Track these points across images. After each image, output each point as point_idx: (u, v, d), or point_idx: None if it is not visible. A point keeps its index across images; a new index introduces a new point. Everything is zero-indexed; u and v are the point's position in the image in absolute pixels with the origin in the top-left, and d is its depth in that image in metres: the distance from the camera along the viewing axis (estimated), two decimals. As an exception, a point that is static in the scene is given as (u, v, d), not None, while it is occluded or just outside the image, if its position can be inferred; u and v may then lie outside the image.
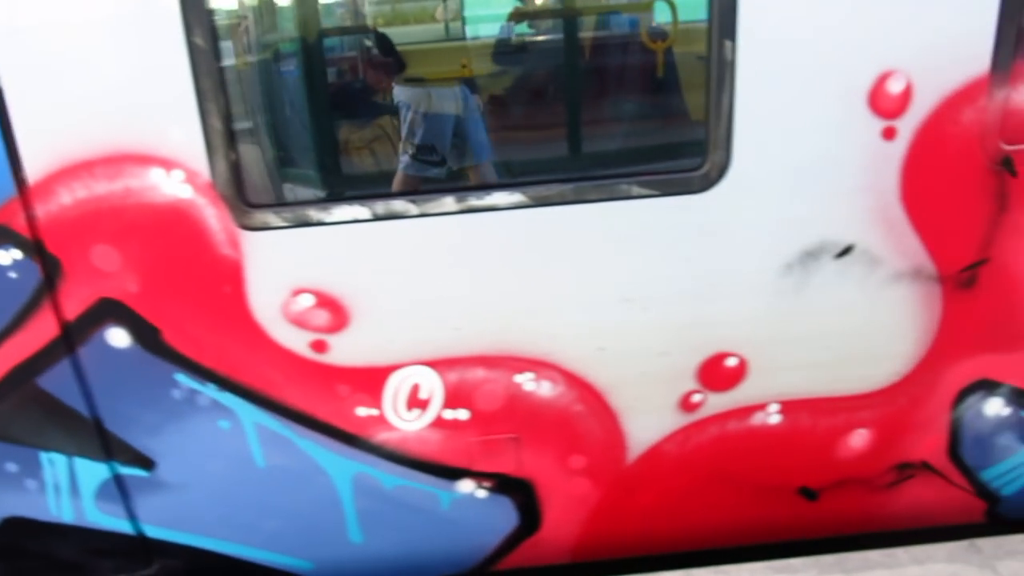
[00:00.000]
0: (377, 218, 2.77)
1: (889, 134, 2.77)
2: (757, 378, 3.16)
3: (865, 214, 2.88)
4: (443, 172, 5.46)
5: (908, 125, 2.77)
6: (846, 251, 2.92)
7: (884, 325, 3.07)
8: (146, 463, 3.16)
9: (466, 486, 3.34)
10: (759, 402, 3.23)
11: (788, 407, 3.24)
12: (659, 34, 6.20)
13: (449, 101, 5.60)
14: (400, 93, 5.94)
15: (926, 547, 3.17)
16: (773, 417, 3.26)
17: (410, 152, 5.45)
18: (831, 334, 3.09)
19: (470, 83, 6.02)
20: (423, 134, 5.48)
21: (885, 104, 2.74)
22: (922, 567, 3.01)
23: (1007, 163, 2.85)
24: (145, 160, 2.68)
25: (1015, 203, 2.91)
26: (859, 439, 3.35)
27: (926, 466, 3.47)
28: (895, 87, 2.72)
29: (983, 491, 3.58)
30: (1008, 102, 2.78)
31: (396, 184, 5.48)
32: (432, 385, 3.07)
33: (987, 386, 3.27)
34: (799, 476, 3.44)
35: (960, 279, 3.03)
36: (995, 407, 3.32)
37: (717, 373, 3.14)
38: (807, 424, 3.30)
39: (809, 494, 3.51)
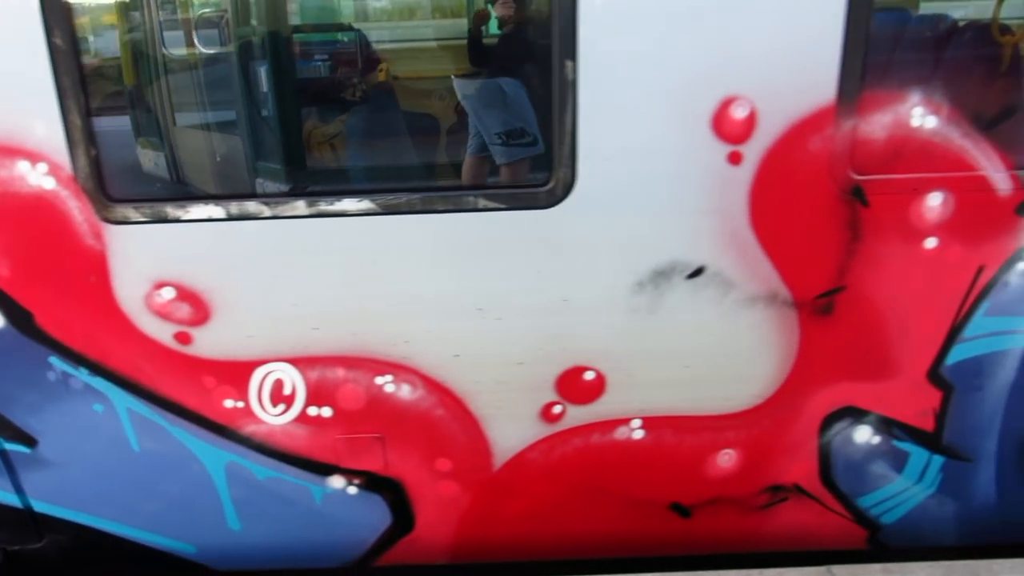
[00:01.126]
0: (232, 218, 2.93)
1: (735, 159, 2.85)
2: (617, 393, 3.26)
3: (715, 237, 2.97)
4: (541, 148, 5.24)
5: (754, 151, 2.84)
6: (697, 272, 3.01)
7: (742, 347, 3.16)
8: (28, 440, 3.37)
9: (337, 482, 3.50)
10: (621, 416, 3.33)
11: (651, 423, 3.34)
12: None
13: (518, 86, 5.53)
14: (464, 87, 5.90)
15: (781, 570, 3.25)
16: (637, 432, 3.36)
17: (501, 141, 5.32)
18: (688, 353, 3.18)
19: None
20: (508, 120, 5.38)
21: (729, 129, 2.82)
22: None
23: (858, 192, 2.91)
24: (13, 152, 2.87)
25: (868, 232, 2.97)
26: (727, 459, 3.43)
27: (799, 490, 3.53)
28: (739, 113, 2.80)
29: (862, 518, 3.63)
30: (856, 132, 2.85)
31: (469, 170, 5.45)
32: (295, 382, 3.24)
33: (853, 413, 3.33)
34: (669, 492, 3.53)
35: (817, 306, 3.09)
36: (864, 435, 3.38)
37: (576, 386, 3.25)
38: (672, 441, 3.39)
39: (682, 511, 3.60)
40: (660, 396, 3.28)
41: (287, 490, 3.50)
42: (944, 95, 2.82)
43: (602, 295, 3.04)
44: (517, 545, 3.72)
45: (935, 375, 3.23)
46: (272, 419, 3.31)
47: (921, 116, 2.85)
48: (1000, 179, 2.91)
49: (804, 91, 2.77)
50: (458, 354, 3.16)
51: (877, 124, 2.85)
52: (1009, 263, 3.04)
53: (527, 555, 3.74)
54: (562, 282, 3.03)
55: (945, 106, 2.85)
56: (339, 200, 2.91)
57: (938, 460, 3.46)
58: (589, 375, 3.21)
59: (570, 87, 2.75)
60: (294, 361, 3.19)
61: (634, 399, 3.28)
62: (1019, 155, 2.91)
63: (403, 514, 3.58)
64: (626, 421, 3.33)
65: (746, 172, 2.86)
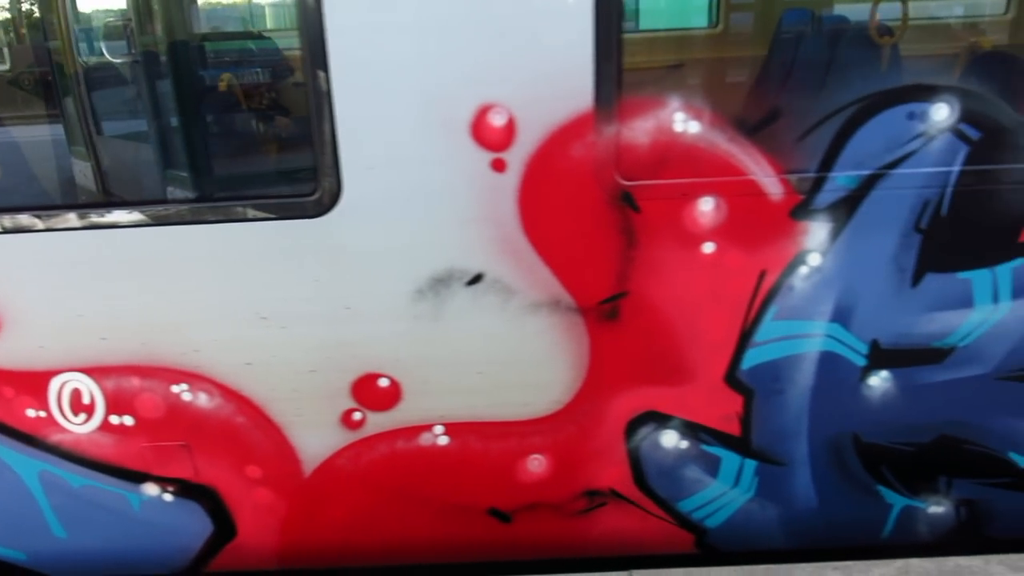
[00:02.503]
0: (5, 231, 3.01)
1: (499, 166, 2.91)
2: (414, 400, 3.33)
3: (489, 244, 3.03)
4: None
5: (517, 158, 2.90)
6: (476, 279, 3.07)
7: (533, 354, 3.22)
8: None
9: (152, 489, 3.59)
10: (422, 423, 3.40)
11: (454, 429, 3.41)
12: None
13: None
14: None
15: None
16: (441, 439, 3.43)
17: None
18: (479, 360, 3.24)
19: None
20: None
21: (489, 136, 2.88)
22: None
23: (627, 198, 2.96)
24: None
25: (644, 238, 3.02)
26: (537, 464, 3.50)
27: (616, 495, 3.59)
28: (497, 120, 2.85)
29: (686, 522, 3.69)
30: (619, 138, 2.89)
31: None
32: (92, 391, 3.32)
33: (656, 418, 3.38)
34: (484, 498, 3.60)
35: (602, 312, 3.15)
36: (671, 439, 3.43)
37: (372, 393, 3.32)
38: (478, 447, 3.46)
39: (501, 516, 3.66)
40: (458, 403, 3.34)
41: (104, 498, 3.59)
42: (705, 101, 2.86)
43: (383, 303, 3.11)
44: (343, 552, 3.80)
45: (732, 379, 3.28)
46: (76, 428, 3.39)
47: (683, 121, 2.89)
48: (770, 183, 2.94)
49: (561, 98, 2.82)
50: (250, 362, 3.24)
51: (639, 130, 2.89)
52: (791, 267, 3.08)
53: (354, 561, 3.82)
54: (341, 290, 3.09)
55: (707, 111, 2.89)
56: (110, 212, 2.98)
57: (751, 464, 3.50)
58: (383, 382, 3.28)
59: (325, 98, 2.80)
60: (88, 371, 3.27)
61: (433, 406, 3.34)
62: (787, 160, 2.94)
63: (223, 521, 3.66)
64: (428, 427, 3.40)
65: (512, 179, 2.91)
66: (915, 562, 3.28)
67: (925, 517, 3.70)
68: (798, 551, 3.84)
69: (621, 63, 2.80)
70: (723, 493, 3.60)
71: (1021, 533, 3.77)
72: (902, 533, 3.77)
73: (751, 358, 3.25)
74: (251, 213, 2.97)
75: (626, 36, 2.84)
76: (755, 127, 2.93)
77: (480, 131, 2.86)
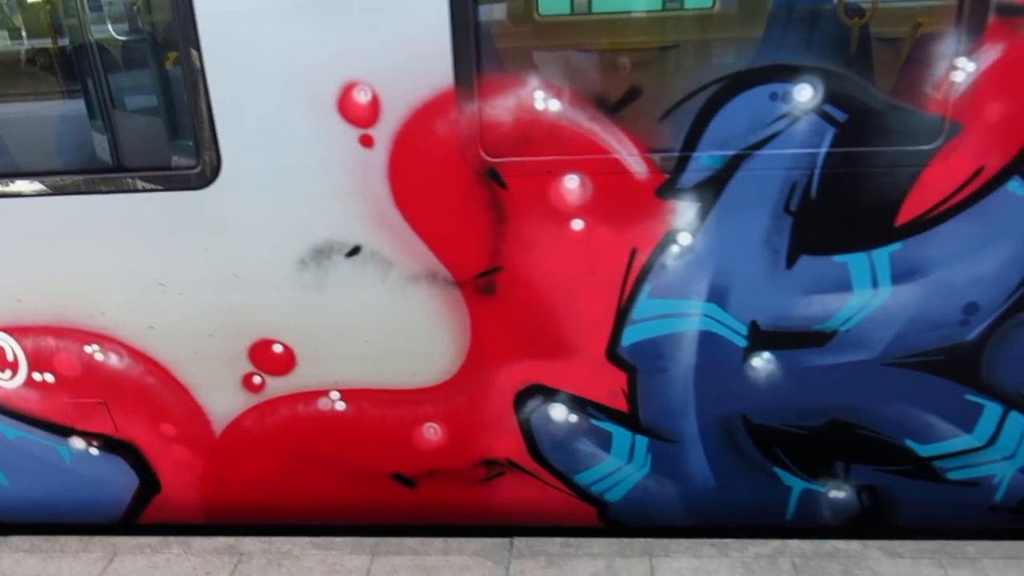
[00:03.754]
0: (-76, 198, 3.31)
1: (367, 142, 3.06)
2: (308, 366, 3.54)
3: (364, 217, 3.19)
4: None
5: (384, 134, 3.05)
6: (355, 251, 3.24)
7: (416, 324, 3.38)
8: None
9: (78, 443, 3.89)
10: (319, 388, 3.61)
11: (349, 396, 3.61)
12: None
13: None
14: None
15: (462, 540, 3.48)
16: (338, 404, 3.64)
17: None
18: (365, 329, 3.42)
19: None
20: None
21: (356, 113, 3.03)
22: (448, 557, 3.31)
23: (493, 174, 3.08)
24: None
25: (513, 214, 3.14)
26: (433, 432, 3.68)
27: (514, 465, 3.74)
28: (362, 97, 3.01)
29: (586, 495, 3.83)
30: (482, 116, 3.01)
31: None
32: (14, 349, 3.62)
33: (543, 391, 3.51)
34: (386, 463, 3.80)
35: (478, 285, 3.29)
36: (561, 413, 3.56)
37: (268, 358, 3.54)
38: (374, 413, 3.65)
39: (406, 481, 3.86)
40: (351, 370, 3.52)
41: (38, 449, 3.90)
42: (565, 79, 2.95)
43: (269, 272, 3.30)
44: (261, 510, 4.04)
45: (614, 356, 3.38)
46: (4, 384, 3.69)
47: (544, 99, 2.98)
48: (634, 162, 3.02)
49: (422, 76, 2.94)
50: (152, 326, 3.48)
51: (501, 108, 3.00)
52: (662, 246, 3.15)
53: (273, 519, 4.06)
54: (229, 259, 3.30)
55: (567, 90, 2.98)
56: (13, 182, 3.24)
57: (643, 441, 3.61)
58: (277, 348, 3.48)
59: (199, 75, 2.99)
60: (8, 330, 3.56)
61: (327, 372, 3.53)
62: (650, 139, 3.01)
63: (147, 475, 3.94)
64: (325, 393, 3.60)
65: (380, 155, 3.06)
66: (793, 543, 3.34)
67: (827, 502, 3.73)
68: (703, 529, 3.92)
69: (479, 42, 2.89)
70: (619, 468, 3.70)
71: (927, 522, 3.77)
72: (806, 517, 3.81)
73: (630, 335, 3.33)
74: (140, 184, 3.18)
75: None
76: (615, 106, 2.99)
77: (347, 108, 3.00)
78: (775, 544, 3.33)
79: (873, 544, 3.31)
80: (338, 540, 3.48)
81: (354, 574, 3.29)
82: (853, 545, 3.31)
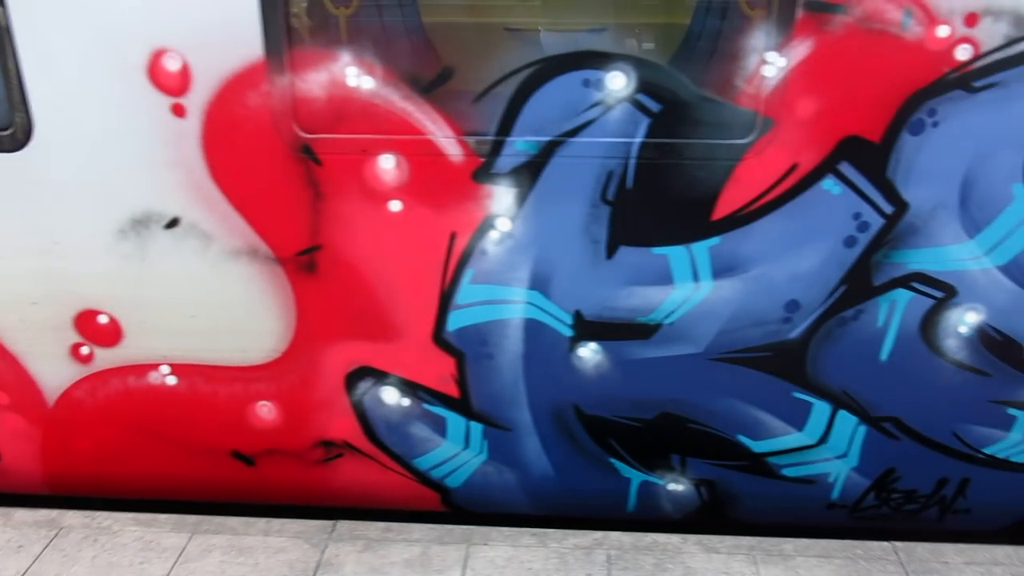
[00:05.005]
0: None
1: (179, 111, 3.04)
2: (135, 338, 3.53)
3: (181, 189, 3.18)
4: None
5: (196, 104, 3.03)
6: (173, 223, 3.22)
7: (239, 300, 3.37)
8: None
9: (-86, 408, 3.87)
10: (149, 361, 3.60)
11: (180, 370, 3.60)
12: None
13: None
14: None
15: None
16: (169, 378, 3.63)
17: None
18: (189, 303, 3.42)
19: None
20: None
21: (166, 81, 3.01)
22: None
23: (307, 150, 3.07)
24: None
25: (329, 191, 3.13)
26: (267, 411, 3.68)
27: (351, 447, 3.75)
28: (172, 65, 2.98)
29: (427, 480, 3.84)
30: (295, 89, 2.99)
31: None
32: None
33: (373, 374, 3.52)
34: (223, 440, 3.80)
35: (300, 263, 3.28)
36: (393, 396, 3.57)
37: (94, 328, 3.52)
38: (207, 389, 3.65)
39: (245, 459, 3.86)
40: (179, 344, 3.52)
41: None
42: (377, 56, 2.93)
43: (88, 240, 3.28)
44: (101, 483, 4.04)
45: (441, 340, 3.39)
46: None
47: (356, 76, 2.97)
48: (450, 144, 3.01)
49: (231, 46, 2.93)
50: (-23, 291, 3.45)
51: (314, 82, 2.98)
52: (481, 231, 3.16)
53: (113, 493, 4.06)
54: (47, 225, 3.28)
55: (379, 68, 2.96)
56: None
57: (477, 427, 3.62)
58: (103, 318, 3.47)
59: (5, 32, 2.95)
60: None
61: (155, 345, 3.53)
62: (466, 121, 3.00)
63: (-15, 443, 3.92)
64: (155, 367, 3.59)
65: (193, 125, 3.04)
66: (614, 535, 3.38)
67: (667, 494, 3.77)
68: (548, 518, 3.95)
69: (288, 13, 2.87)
70: (456, 454, 3.72)
71: (767, 517, 3.81)
72: (648, 508, 3.85)
73: (455, 320, 3.34)
74: (-45, 145, 3.14)
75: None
76: (429, 86, 2.98)
77: (157, 75, 2.98)
78: (595, 536, 3.37)
79: (692, 539, 3.36)
80: (162, 517, 3.49)
81: (169, 552, 3.31)
82: (673, 539, 3.35)
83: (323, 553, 3.30)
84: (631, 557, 3.27)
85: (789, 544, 3.32)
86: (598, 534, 3.38)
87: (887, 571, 3.21)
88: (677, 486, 3.74)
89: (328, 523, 3.48)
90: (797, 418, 3.47)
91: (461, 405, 3.56)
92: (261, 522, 3.48)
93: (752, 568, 3.21)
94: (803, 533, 3.70)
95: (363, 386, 3.54)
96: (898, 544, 3.34)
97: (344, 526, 3.46)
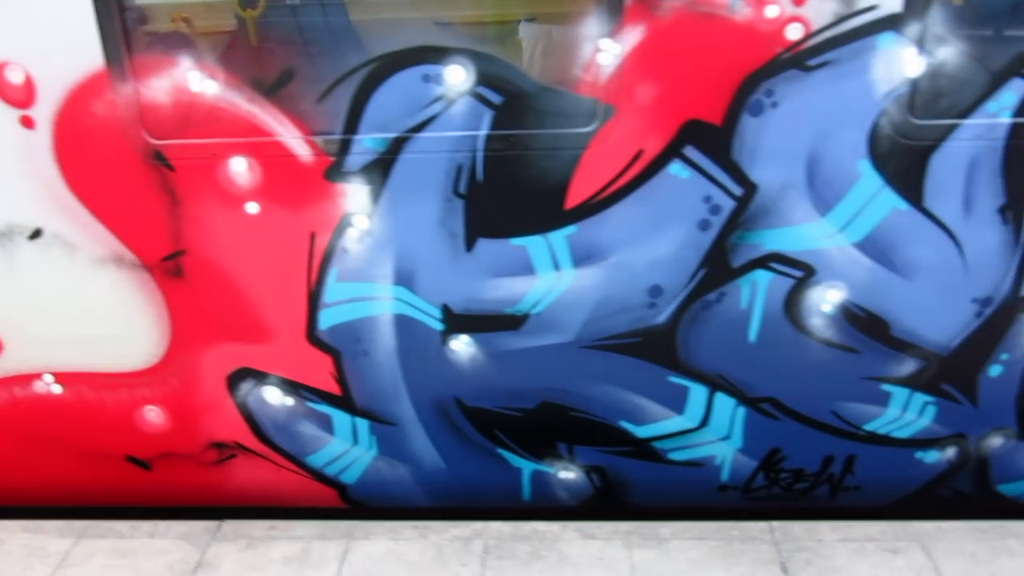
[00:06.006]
0: None
1: (28, 123, 3.09)
2: (17, 348, 3.58)
3: (39, 201, 3.23)
4: None
5: (44, 115, 3.07)
6: (36, 234, 3.27)
7: (111, 307, 3.43)
8: None
9: None
10: (32, 371, 3.65)
11: (64, 379, 3.66)
12: None
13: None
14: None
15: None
16: (55, 387, 3.69)
17: None
18: (64, 312, 3.47)
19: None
20: None
21: (12, 94, 3.05)
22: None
23: (159, 157, 3.11)
24: None
25: (185, 196, 3.18)
26: (155, 415, 3.74)
27: (243, 447, 3.81)
28: (15, 78, 3.03)
29: (322, 477, 3.90)
30: (140, 97, 3.03)
31: None
32: None
33: (254, 375, 3.57)
34: (117, 445, 3.86)
35: (166, 269, 3.33)
36: (276, 396, 3.62)
37: (-26, 339, 3.57)
38: (93, 397, 3.71)
39: (141, 464, 3.93)
40: (60, 353, 3.58)
41: None
42: (218, 61, 2.97)
43: (-45, 253, 3.32)
44: (9, 492, 4.10)
45: (315, 339, 3.44)
46: None
47: (199, 81, 3.01)
48: (298, 145, 3.06)
49: (71, 56, 2.97)
50: None
51: (158, 89, 3.02)
52: (340, 229, 3.21)
53: (10, 501, 4.12)
54: (-86, 238, 3.32)
55: (221, 72, 3.00)
56: None
57: (363, 423, 3.69)
58: (-18, 329, 3.52)
59: None
60: None
61: (36, 355, 3.59)
62: (312, 121, 3.05)
63: None
64: (39, 376, 3.64)
65: (44, 136, 3.09)
66: (495, 525, 3.44)
67: (560, 483, 3.83)
68: (448, 510, 4.02)
69: (125, 22, 2.91)
70: (347, 450, 3.78)
71: (662, 502, 3.87)
72: (543, 497, 3.91)
73: (326, 319, 3.40)
74: None
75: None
76: (272, 87, 3.02)
77: (2, 88, 3.01)
78: (476, 526, 3.43)
79: (572, 526, 3.42)
80: (48, 524, 3.55)
81: (53, 557, 3.37)
82: (553, 527, 3.41)
83: (204, 553, 3.37)
84: (508, 546, 3.33)
85: (667, 527, 3.38)
86: (479, 524, 3.44)
87: (759, 551, 3.26)
88: (568, 474, 3.80)
89: (213, 523, 3.54)
90: (676, 402, 3.53)
91: (344, 402, 3.62)
92: (148, 525, 3.54)
93: (626, 552, 3.27)
94: (715, 516, 3.75)
95: (245, 387, 3.60)
96: (775, 523, 3.39)
97: (229, 526, 3.52)
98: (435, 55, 2.95)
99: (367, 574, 3.24)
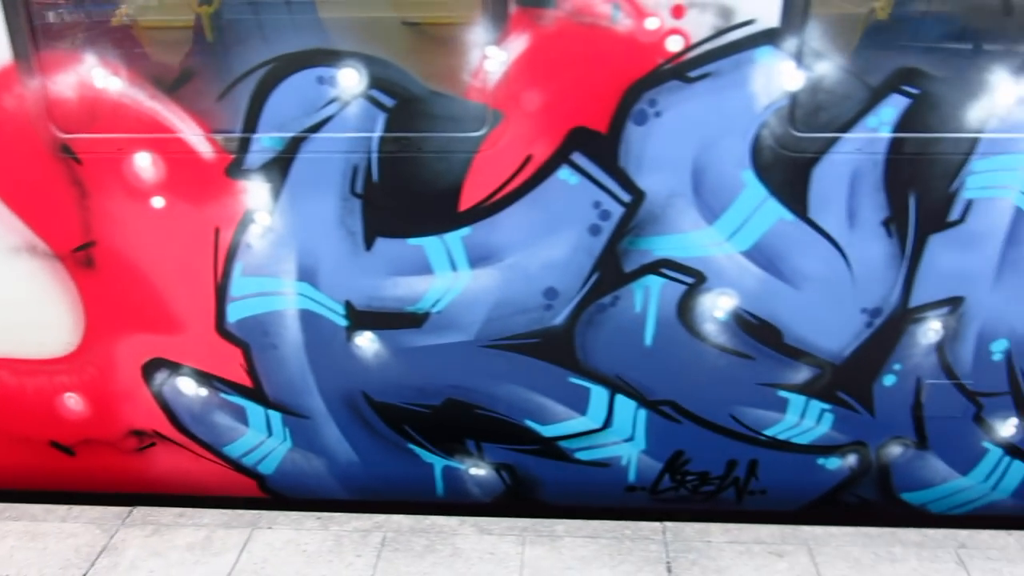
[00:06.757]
0: None
1: (-65, 113, 3.22)
2: (-62, 335, 3.72)
3: (-47, 187, 3.35)
4: None
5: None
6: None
7: (28, 295, 3.57)
8: None
9: None
10: (-46, 357, 3.79)
11: (-16, 364, 3.80)
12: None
13: None
14: None
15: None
16: (-22, 371, 3.82)
17: None
18: (-16, 299, 3.61)
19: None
20: None
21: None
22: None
23: (67, 150, 3.25)
24: None
25: (93, 189, 3.32)
26: (74, 402, 3.87)
27: (161, 436, 3.95)
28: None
29: (240, 467, 4.04)
30: (47, 91, 3.17)
31: None
32: None
33: (168, 365, 3.71)
34: (39, 431, 4.00)
35: (78, 259, 3.47)
36: (190, 386, 3.76)
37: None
38: (13, 382, 3.85)
39: (64, 449, 4.07)
40: (-20, 338, 3.71)
41: None
42: (121, 58, 3.10)
43: None
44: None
45: (225, 332, 3.57)
46: None
47: (104, 77, 3.14)
48: (199, 142, 3.19)
49: (-17, 49, 3.09)
50: None
51: (65, 84, 3.16)
52: (243, 225, 3.33)
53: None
54: None
55: (124, 68, 3.13)
56: None
57: (276, 415, 3.82)
58: (-96, 314, 3.67)
59: None
60: None
61: (-44, 341, 3.72)
62: (213, 119, 3.17)
63: None
64: (-40, 362, 3.78)
65: (-49, 127, 3.22)
66: (396, 518, 3.57)
67: (471, 479, 3.95)
68: (363, 503, 4.14)
69: (32, 17, 3.04)
70: (262, 441, 3.91)
71: (572, 500, 3.98)
72: (457, 493, 4.03)
73: (234, 312, 3.53)
74: None
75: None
76: (173, 85, 3.15)
77: (-85, 81, 3.15)
78: (378, 518, 3.55)
79: (470, 520, 3.53)
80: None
81: (-36, 539, 3.51)
82: (451, 521, 3.53)
83: (111, 538, 3.50)
84: (405, 539, 3.45)
85: (561, 525, 3.49)
86: (380, 517, 3.56)
87: (648, 550, 3.37)
88: (479, 471, 3.91)
89: (125, 509, 3.67)
90: (578, 403, 3.64)
91: (256, 394, 3.74)
92: (62, 509, 3.68)
93: (519, 548, 3.38)
94: (625, 517, 3.84)
95: (160, 376, 3.73)
96: (668, 524, 3.50)
97: (140, 512, 3.65)
98: (329, 58, 3.06)
99: (264, 563, 3.36)
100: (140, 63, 3.12)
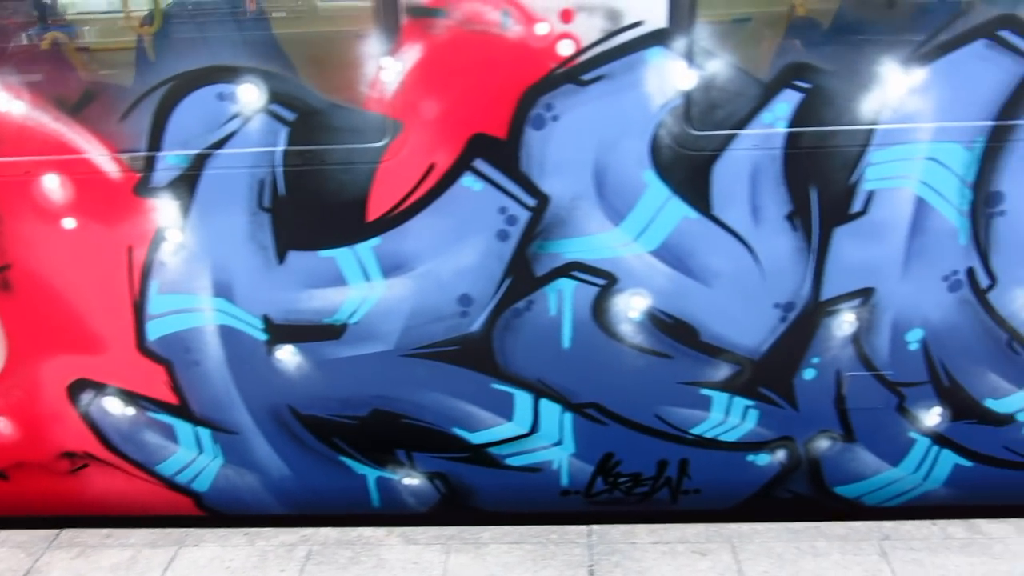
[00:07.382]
0: None
1: None
2: None
3: None
4: None
5: None
6: None
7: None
8: None
9: None
10: None
11: (-89, 390, 3.83)
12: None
13: None
14: None
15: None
16: (-98, 398, 3.86)
17: None
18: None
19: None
20: None
21: None
22: None
23: (-26, 175, 3.30)
24: None
25: (3, 212, 3.36)
26: (3, 425, 3.91)
27: (93, 457, 3.99)
28: None
29: (175, 485, 4.08)
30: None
31: None
32: None
33: (92, 385, 3.75)
34: (-32, 455, 4.04)
35: (-6, 282, 3.51)
36: (117, 406, 3.80)
37: None
38: (-58, 408, 3.88)
39: (-1, 474, 4.11)
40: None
41: None
42: (22, 80, 3.16)
43: None
44: None
45: (146, 350, 3.61)
46: None
47: (6, 100, 3.19)
48: (106, 162, 3.24)
49: None
50: None
51: (-31, 108, 3.20)
52: (155, 243, 3.38)
53: None
54: None
55: (26, 91, 3.19)
56: None
57: (205, 432, 3.86)
58: None
59: None
60: None
61: None
62: (118, 139, 3.23)
63: None
64: None
65: None
66: (324, 531, 3.60)
67: (405, 489, 3.99)
68: (299, 518, 4.18)
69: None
70: (194, 459, 3.95)
71: (508, 507, 4.02)
72: (393, 503, 4.07)
73: (154, 330, 3.57)
74: None
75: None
76: (75, 106, 3.20)
77: None
78: (305, 532, 3.59)
79: (397, 531, 3.57)
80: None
81: None
82: (378, 532, 3.57)
83: (36, 561, 3.54)
84: (330, 552, 3.49)
85: (487, 532, 3.53)
86: (307, 530, 3.60)
87: (572, 554, 3.41)
88: (412, 480, 3.95)
89: (53, 532, 3.71)
90: (503, 409, 3.68)
91: (183, 411, 3.78)
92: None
93: (443, 557, 3.42)
94: (562, 521, 3.87)
95: (86, 397, 3.77)
96: (594, 527, 3.54)
97: (67, 534, 3.69)
98: (228, 74, 3.11)
99: (188, 580, 3.40)
100: (42, 85, 3.16)
